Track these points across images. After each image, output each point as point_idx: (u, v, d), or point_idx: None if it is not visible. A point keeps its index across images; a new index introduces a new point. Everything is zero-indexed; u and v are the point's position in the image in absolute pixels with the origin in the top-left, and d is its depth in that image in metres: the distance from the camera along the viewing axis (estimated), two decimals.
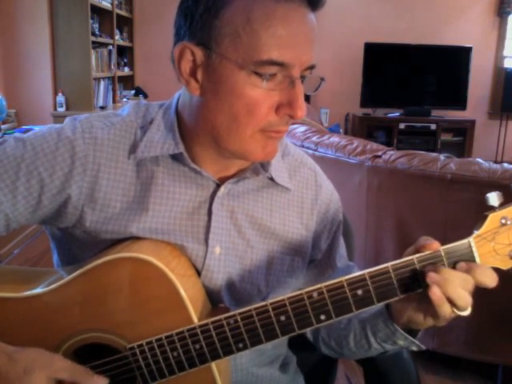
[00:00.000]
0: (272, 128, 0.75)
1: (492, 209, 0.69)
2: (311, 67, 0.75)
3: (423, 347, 0.79)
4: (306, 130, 2.52)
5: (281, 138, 0.79)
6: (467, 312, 0.69)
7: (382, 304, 0.72)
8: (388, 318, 0.78)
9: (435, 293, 0.67)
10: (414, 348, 0.80)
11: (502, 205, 0.69)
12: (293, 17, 0.70)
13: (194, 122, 0.79)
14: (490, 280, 0.68)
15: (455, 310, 0.69)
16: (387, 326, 0.78)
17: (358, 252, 2.15)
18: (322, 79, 0.80)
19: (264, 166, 0.84)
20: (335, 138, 2.34)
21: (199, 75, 0.75)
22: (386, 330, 0.79)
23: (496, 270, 0.70)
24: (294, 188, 0.89)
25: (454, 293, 0.67)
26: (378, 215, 2.17)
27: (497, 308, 1.95)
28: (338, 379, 1.19)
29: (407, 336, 0.77)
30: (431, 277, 0.67)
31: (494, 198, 0.68)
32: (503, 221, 0.69)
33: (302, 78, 0.74)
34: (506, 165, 1.93)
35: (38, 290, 0.76)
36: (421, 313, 0.72)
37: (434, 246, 0.69)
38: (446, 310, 0.68)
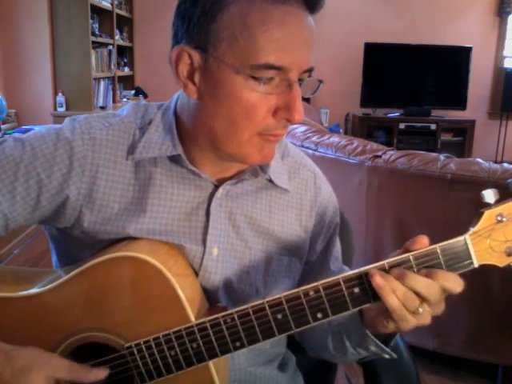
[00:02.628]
0: (269, 132, 0.75)
1: (488, 206, 0.69)
2: (309, 70, 0.74)
3: (394, 356, 0.78)
4: (306, 130, 2.52)
5: (278, 141, 0.79)
6: (427, 320, 0.69)
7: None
8: (360, 323, 0.77)
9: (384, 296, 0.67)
10: (386, 356, 0.79)
11: (498, 202, 0.69)
12: (290, 20, 0.70)
13: (191, 124, 0.79)
14: (454, 285, 0.68)
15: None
16: (358, 331, 0.78)
17: (357, 252, 2.15)
18: (321, 81, 0.79)
19: (263, 167, 0.84)
20: (335, 138, 2.34)
21: (196, 78, 0.74)
22: (358, 334, 0.78)
23: (493, 268, 0.70)
24: (293, 189, 0.89)
25: (400, 293, 0.66)
26: (378, 215, 2.17)
27: (497, 308, 1.95)
28: (337, 379, 1.19)
29: (378, 342, 0.77)
30: (376, 282, 0.67)
31: (489, 194, 0.68)
32: (499, 217, 0.68)
33: (300, 81, 0.74)
34: (506, 165, 1.93)
35: (36, 290, 0.76)
36: (382, 316, 0.71)
37: (424, 240, 0.69)
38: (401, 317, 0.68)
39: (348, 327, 0.82)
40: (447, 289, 0.68)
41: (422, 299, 0.68)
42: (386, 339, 0.77)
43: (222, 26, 0.70)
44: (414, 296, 0.67)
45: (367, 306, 0.70)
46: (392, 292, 0.67)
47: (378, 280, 0.67)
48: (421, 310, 0.68)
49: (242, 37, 0.69)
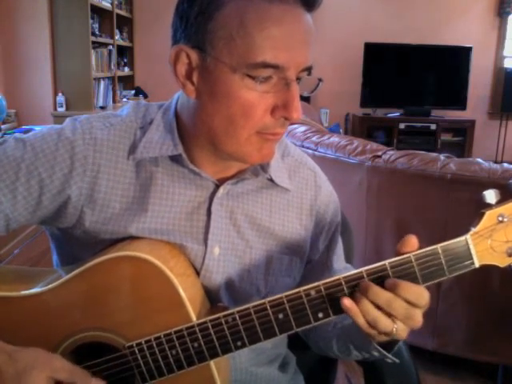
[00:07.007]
0: (268, 130, 0.75)
1: (489, 206, 0.69)
2: (308, 69, 0.74)
3: (397, 361, 0.79)
4: (306, 130, 2.52)
5: (278, 140, 0.79)
6: (404, 334, 0.70)
7: None
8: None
9: (355, 319, 0.68)
10: (389, 360, 0.79)
11: (499, 202, 0.69)
12: (287, 18, 0.70)
13: (191, 123, 0.79)
14: (415, 297, 0.68)
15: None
16: (360, 337, 0.78)
17: (357, 252, 2.15)
18: (320, 80, 0.80)
19: (263, 167, 0.84)
20: (335, 138, 2.34)
21: (195, 78, 0.75)
22: (361, 340, 0.79)
23: (494, 268, 0.70)
24: (293, 188, 0.90)
25: (369, 316, 0.67)
26: (378, 215, 2.17)
27: (497, 308, 1.95)
28: (337, 379, 1.19)
29: (380, 349, 0.77)
30: (344, 304, 0.68)
31: (490, 195, 0.68)
32: (500, 218, 0.69)
33: (298, 79, 0.74)
34: (505, 165, 1.93)
35: (37, 290, 0.76)
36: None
37: (413, 241, 0.69)
38: (370, 332, 0.69)
39: (351, 333, 0.82)
40: (410, 302, 0.68)
41: (389, 315, 0.68)
42: (390, 343, 0.77)
43: (219, 25, 0.70)
44: (385, 318, 0.68)
45: None
46: (361, 314, 0.68)
47: (346, 302, 0.68)
48: (395, 330, 0.69)
49: (238, 36, 0.69)
